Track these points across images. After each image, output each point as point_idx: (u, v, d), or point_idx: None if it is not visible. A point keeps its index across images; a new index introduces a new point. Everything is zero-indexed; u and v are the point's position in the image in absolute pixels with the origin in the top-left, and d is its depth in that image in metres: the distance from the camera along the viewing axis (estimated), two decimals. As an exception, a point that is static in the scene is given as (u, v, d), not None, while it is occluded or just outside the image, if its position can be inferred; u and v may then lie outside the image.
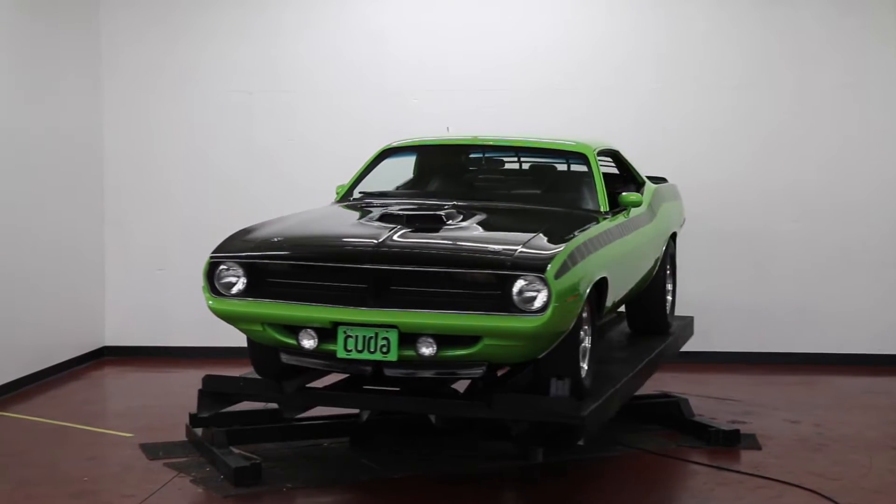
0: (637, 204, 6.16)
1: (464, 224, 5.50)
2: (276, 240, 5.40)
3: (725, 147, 8.92)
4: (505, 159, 6.86)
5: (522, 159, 6.85)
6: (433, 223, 5.39)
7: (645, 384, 6.56)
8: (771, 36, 8.94)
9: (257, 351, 5.62)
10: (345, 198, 6.44)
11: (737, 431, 6.57)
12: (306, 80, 9.15)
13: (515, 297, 4.85)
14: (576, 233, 5.37)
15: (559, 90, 8.98)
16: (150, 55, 9.23)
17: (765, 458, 6.25)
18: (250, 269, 5.24)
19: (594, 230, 5.59)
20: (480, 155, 6.75)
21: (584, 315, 5.32)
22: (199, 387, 5.85)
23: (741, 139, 8.94)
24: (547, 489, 5.75)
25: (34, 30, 8.29)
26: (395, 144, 6.78)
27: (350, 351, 4.98)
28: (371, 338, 4.95)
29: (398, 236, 5.22)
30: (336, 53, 9.13)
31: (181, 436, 6.47)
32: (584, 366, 5.37)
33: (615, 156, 6.91)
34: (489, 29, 9.10)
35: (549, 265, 4.86)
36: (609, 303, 5.75)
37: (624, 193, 6.18)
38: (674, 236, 7.29)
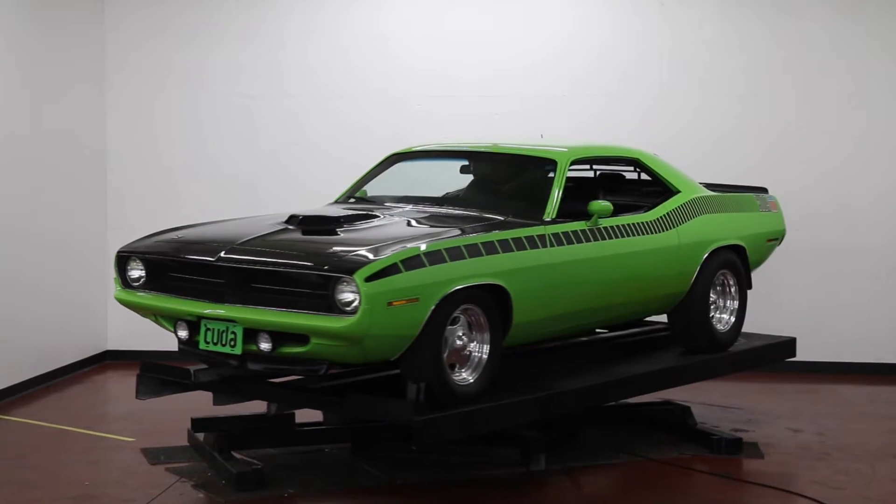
0: (605, 212, 5.94)
1: (361, 227, 5.56)
2: (173, 238, 5.70)
3: (729, 154, 8.92)
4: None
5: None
6: (326, 225, 5.55)
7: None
8: (775, 44, 8.94)
9: None
10: (339, 200, 6.56)
11: (739, 440, 6.57)
12: (311, 84, 9.16)
13: (335, 298, 4.94)
14: (442, 237, 5.32)
15: (566, 96, 8.98)
16: (154, 58, 9.24)
17: (767, 467, 6.25)
18: (147, 264, 5.64)
19: (487, 237, 5.43)
20: (469, 162, 6.62)
21: (479, 321, 5.35)
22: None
23: (745, 147, 8.94)
24: (548, 497, 5.74)
25: (39, 33, 8.30)
26: (401, 150, 6.80)
27: (209, 343, 5.29)
28: (223, 332, 5.23)
29: (271, 236, 5.41)
30: (341, 58, 9.14)
31: (183, 440, 6.46)
32: (467, 376, 5.35)
33: (636, 163, 6.74)
34: (495, 35, 9.11)
35: (363, 268, 4.89)
36: (530, 315, 5.57)
37: (594, 201, 5.98)
38: (740, 251, 6.88)
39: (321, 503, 5.66)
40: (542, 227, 5.75)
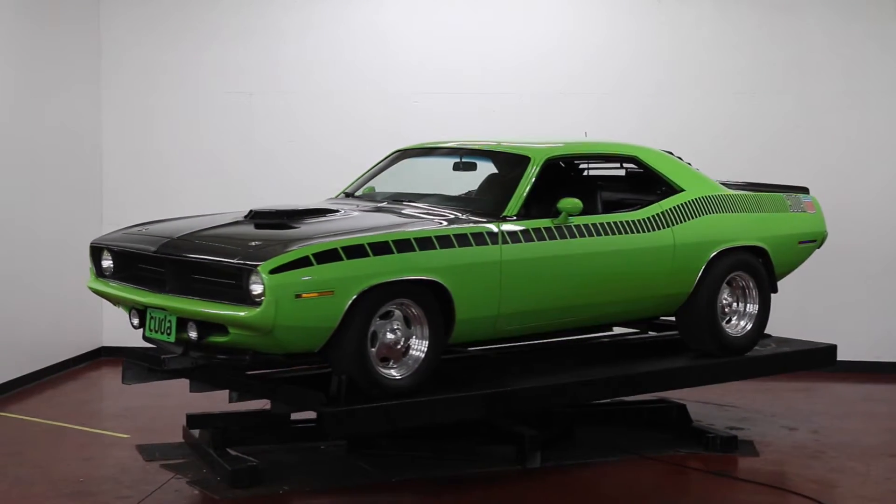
0: (574, 209, 5.84)
1: (309, 222, 5.61)
2: (137, 230, 5.88)
3: (725, 152, 8.92)
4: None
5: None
6: (275, 219, 5.65)
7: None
8: (773, 42, 8.95)
9: None
10: (337, 197, 6.59)
11: (734, 438, 6.57)
12: (308, 81, 9.15)
13: (247, 289, 5.05)
14: (372, 232, 5.35)
15: (563, 94, 8.99)
16: (150, 55, 9.23)
17: (762, 465, 6.25)
18: (114, 255, 5.83)
19: (423, 232, 5.42)
20: (458, 159, 6.55)
21: (417, 316, 5.37)
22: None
23: (742, 145, 8.95)
24: (544, 494, 5.74)
25: (34, 30, 8.29)
26: (406, 147, 6.79)
27: (152, 331, 5.49)
28: (162, 320, 5.43)
29: (214, 230, 5.56)
30: (338, 54, 9.14)
31: (178, 437, 6.46)
32: (400, 371, 5.37)
33: (635, 161, 6.56)
34: (493, 32, 9.11)
35: (269, 260, 5.01)
36: (479, 312, 5.55)
37: (564, 199, 5.85)
38: (761, 253, 6.66)
39: (316, 500, 5.66)
40: (496, 223, 5.70)
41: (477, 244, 5.55)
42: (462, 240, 5.52)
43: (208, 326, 5.20)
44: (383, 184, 6.55)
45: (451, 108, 8.97)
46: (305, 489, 5.73)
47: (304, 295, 5.02)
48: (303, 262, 5.05)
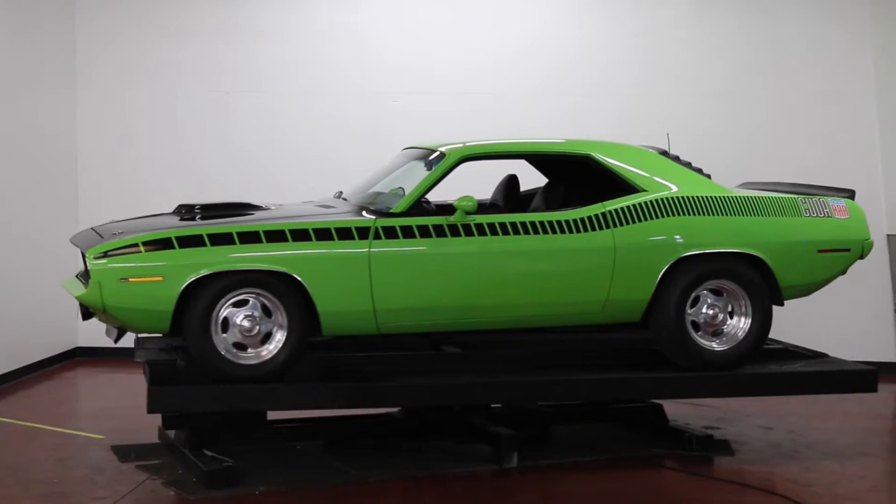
0: (468, 208, 5.69)
1: (216, 215, 5.83)
2: (102, 226, 6.17)
3: (703, 153, 8.90)
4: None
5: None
6: (189, 213, 5.96)
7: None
8: (750, 44, 9.01)
9: None
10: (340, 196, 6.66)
11: (710, 437, 6.59)
12: (286, 81, 9.14)
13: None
14: (217, 224, 5.59)
15: (541, 94, 9.01)
16: (126, 55, 9.20)
17: (738, 464, 6.27)
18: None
19: (275, 225, 5.57)
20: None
21: (270, 303, 5.52)
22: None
23: (719, 146, 8.98)
24: (520, 493, 5.74)
25: (9, 29, 8.23)
26: (412, 145, 6.75)
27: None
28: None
29: (121, 222, 5.98)
30: (316, 54, 9.13)
31: (153, 438, 6.43)
32: (248, 360, 5.54)
33: (588, 160, 6.13)
34: (471, 32, 9.14)
35: (95, 246, 5.47)
36: (347, 306, 5.59)
37: (460, 197, 5.75)
38: (754, 261, 6.09)
39: (292, 501, 5.63)
40: (376, 219, 5.71)
41: (340, 238, 5.62)
42: (322, 234, 5.61)
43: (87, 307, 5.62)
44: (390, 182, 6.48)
45: (431, 108, 8.99)
46: (282, 489, 5.71)
47: (130, 279, 5.40)
48: (130, 249, 5.43)
